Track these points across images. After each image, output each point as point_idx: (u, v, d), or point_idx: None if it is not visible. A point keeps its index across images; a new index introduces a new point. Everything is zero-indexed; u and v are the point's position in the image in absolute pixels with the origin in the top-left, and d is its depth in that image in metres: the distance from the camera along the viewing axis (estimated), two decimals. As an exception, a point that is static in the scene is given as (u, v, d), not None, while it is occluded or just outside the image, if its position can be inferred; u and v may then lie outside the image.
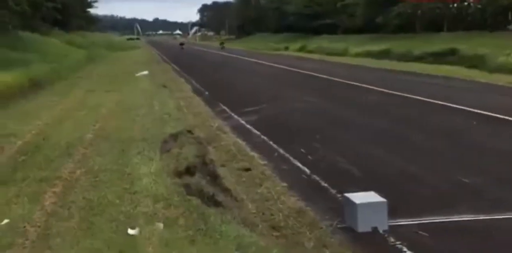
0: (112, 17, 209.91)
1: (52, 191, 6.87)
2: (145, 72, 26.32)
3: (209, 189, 7.07)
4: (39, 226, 5.70)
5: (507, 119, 12.34)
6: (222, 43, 72.83)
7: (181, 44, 73.13)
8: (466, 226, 6.12)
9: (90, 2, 73.11)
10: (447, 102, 14.96)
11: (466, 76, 23.54)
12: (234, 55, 50.09)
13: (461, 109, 14.00)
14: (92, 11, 78.01)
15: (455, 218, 6.28)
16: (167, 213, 6.00)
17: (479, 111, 13.39)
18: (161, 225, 5.67)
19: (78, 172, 7.77)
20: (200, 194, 6.80)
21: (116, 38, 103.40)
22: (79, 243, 5.27)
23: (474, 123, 12.33)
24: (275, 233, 5.98)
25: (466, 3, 46.56)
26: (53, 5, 42.14)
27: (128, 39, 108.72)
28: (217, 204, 6.57)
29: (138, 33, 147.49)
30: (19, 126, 11.63)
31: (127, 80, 22.93)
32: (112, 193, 6.69)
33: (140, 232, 5.49)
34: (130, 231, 5.51)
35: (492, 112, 13.08)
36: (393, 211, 6.08)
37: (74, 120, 12.58)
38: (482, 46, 29.33)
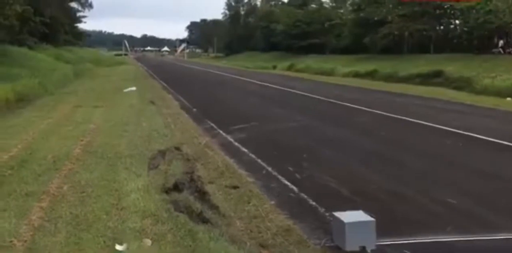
0: (100, 32, 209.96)
1: (39, 205, 6.82)
2: (133, 88, 26.31)
3: (197, 206, 7.06)
4: (25, 241, 5.65)
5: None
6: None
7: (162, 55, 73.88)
8: (453, 247, 6.14)
9: (79, 17, 73.21)
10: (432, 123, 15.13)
11: (452, 98, 23.76)
12: (222, 73, 50.18)
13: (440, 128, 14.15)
14: (80, 26, 78.07)
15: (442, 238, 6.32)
16: (155, 229, 5.97)
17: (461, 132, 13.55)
18: (149, 241, 5.64)
19: (65, 187, 7.72)
20: (188, 210, 6.79)
21: (104, 53, 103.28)
22: (66, 258, 5.23)
23: (460, 144, 12.43)
24: (263, 251, 5.96)
25: (452, 26, 47.19)
26: (41, 19, 42.08)
27: (116, 55, 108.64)
28: (205, 221, 6.55)
29: (126, 49, 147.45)
30: (6, 140, 11.56)
31: (114, 96, 22.90)
32: (100, 209, 6.66)
33: (128, 248, 5.46)
34: (118, 247, 5.47)
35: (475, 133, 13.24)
36: (381, 231, 6.09)
37: (61, 135, 12.52)
38: (467, 68, 29.71)
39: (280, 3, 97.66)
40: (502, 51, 37.36)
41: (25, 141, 11.59)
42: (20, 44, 36.37)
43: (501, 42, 38.52)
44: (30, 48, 38.39)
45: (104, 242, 5.60)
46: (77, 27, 75.12)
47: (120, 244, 5.52)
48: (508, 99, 22.63)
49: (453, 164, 10.47)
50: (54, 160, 9.49)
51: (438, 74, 31.39)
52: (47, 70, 30.30)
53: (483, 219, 7.09)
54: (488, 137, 12.90)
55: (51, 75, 29.23)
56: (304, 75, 44.58)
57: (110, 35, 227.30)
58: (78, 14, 73.56)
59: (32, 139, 11.84)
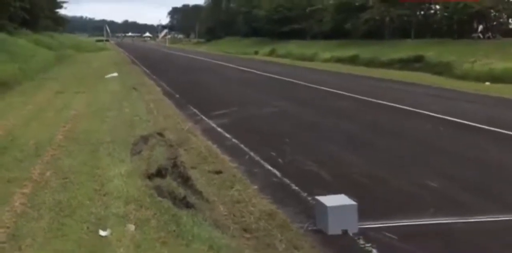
0: (81, 18, 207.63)
1: (21, 192, 6.79)
2: (115, 74, 26.10)
3: (180, 191, 7.07)
4: (8, 227, 5.63)
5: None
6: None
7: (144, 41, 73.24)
8: (434, 229, 6.25)
9: (59, 3, 72.13)
10: (412, 108, 15.27)
11: (432, 83, 23.95)
12: (204, 58, 50.01)
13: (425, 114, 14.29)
14: (61, 12, 76.77)
15: (424, 221, 6.43)
16: (138, 215, 5.98)
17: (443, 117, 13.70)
18: (132, 226, 5.65)
19: (47, 173, 7.68)
20: (172, 196, 6.80)
21: (85, 39, 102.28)
22: (49, 244, 5.23)
23: (441, 129, 12.57)
24: (247, 235, 6.02)
25: (432, 11, 47.35)
26: (21, 4, 41.45)
27: (97, 41, 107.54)
28: (188, 206, 6.57)
29: (107, 35, 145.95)
30: (-14, 126, 11.45)
31: (96, 82, 22.73)
32: (83, 195, 6.64)
33: (112, 233, 5.47)
34: (101, 233, 5.48)
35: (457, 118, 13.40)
36: (363, 214, 6.17)
37: (43, 121, 12.43)
38: (447, 53, 29.93)
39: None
40: (481, 36, 37.64)
41: (6, 127, 11.48)
42: (0, 29, 35.81)
43: (480, 27, 38.78)
44: (9, 33, 37.77)
45: (88, 227, 5.60)
46: (57, 12, 73.90)
47: (104, 229, 5.53)
48: (487, 83, 22.86)
49: (433, 148, 10.60)
50: (36, 146, 9.42)
51: (418, 59, 31.60)
52: (27, 56, 29.91)
53: (462, 202, 7.21)
54: (467, 121, 13.06)
55: (31, 61, 28.88)
56: (286, 61, 44.61)
57: (91, 20, 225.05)
58: (59, -1, 72.54)
59: (12, 126, 11.73)
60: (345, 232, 6.01)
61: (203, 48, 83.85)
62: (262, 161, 9.45)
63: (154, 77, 27.66)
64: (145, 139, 10.21)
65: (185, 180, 7.90)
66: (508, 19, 42.05)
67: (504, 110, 16.14)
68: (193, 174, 8.33)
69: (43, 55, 34.35)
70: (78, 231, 5.52)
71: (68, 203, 6.35)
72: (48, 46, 43.19)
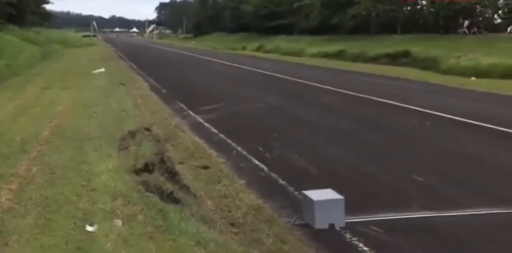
0: (68, 13, 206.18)
1: (8, 188, 6.75)
2: (102, 70, 25.98)
3: (168, 186, 7.08)
4: (-5, 223, 5.62)
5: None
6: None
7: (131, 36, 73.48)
8: (420, 223, 6.31)
9: (46, -2, 71.58)
10: (398, 102, 15.35)
11: (418, 77, 24.07)
12: (192, 54, 49.89)
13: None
14: (47, 7, 76.37)
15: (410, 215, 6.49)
16: (125, 210, 5.98)
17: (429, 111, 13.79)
18: (119, 221, 5.66)
19: (34, 169, 7.65)
20: (159, 191, 6.81)
21: (72, 35, 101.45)
22: (36, 239, 5.22)
23: (427, 123, 12.65)
24: (234, 230, 6.04)
25: (419, 7, 47.56)
26: (7, 0, 41.14)
27: (84, 36, 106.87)
28: (175, 201, 6.58)
29: (94, 30, 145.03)
30: (-28, 122, 11.38)
31: (83, 77, 22.61)
32: (70, 190, 6.63)
33: (99, 228, 5.47)
34: (88, 228, 5.48)
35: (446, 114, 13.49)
36: (350, 209, 6.22)
37: (30, 116, 12.37)
38: (434, 48, 30.10)
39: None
40: (467, 31, 37.90)
41: (-8, 123, 11.43)
42: (-15, 25, 35.57)
43: (466, 22, 39.06)
44: (-5, 29, 37.59)
45: (75, 223, 5.59)
46: (44, 8, 73.39)
47: (91, 225, 5.53)
48: (473, 78, 23.02)
49: (419, 142, 10.68)
50: (22, 142, 9.37)
51: (405, 54, 31.72)
52: (14, 52, 29.73)
53: (448, 196, 7.28)
54: (453, 115, 13.15)
55: (18, 56, 28.71)
56: (273, 56, 44.62)
57: (78, 16, 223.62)
58: (45, -6, 71.93)
59: (-1, 121, 11.69)
60: (332, 226, 6.05)
61: (191, 44, 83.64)
62: (249, 156, 9.47)
63: (141, 72, 27.56)
64: (132, 134, 10.20)
65: (173, 175, 7.92)
66: (493, 15, 42.39)
67: (489, 105, 16.25)
68: (180, 169, 8.33)
69: (30, 51, 34.13)
70: (65, 227, 5.51)
71: (55, 198, 6.33)
72: (35, 41, 42.89)
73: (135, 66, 32.03)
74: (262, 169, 8.66)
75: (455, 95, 18.36)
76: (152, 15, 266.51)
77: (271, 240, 5.74)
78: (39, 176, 7.31)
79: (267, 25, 63.20)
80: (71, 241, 5.18)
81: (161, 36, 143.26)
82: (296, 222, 6.25)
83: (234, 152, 9.83)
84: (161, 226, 5.59)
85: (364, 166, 8.87)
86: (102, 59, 37.32)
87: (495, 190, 7.58)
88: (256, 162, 9.10)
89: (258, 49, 54.61)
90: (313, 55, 41.26)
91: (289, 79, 23.71)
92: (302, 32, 57.65)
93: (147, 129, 10.89)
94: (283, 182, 7.91)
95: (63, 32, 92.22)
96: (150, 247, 5.13)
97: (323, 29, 50.73)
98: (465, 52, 27.05)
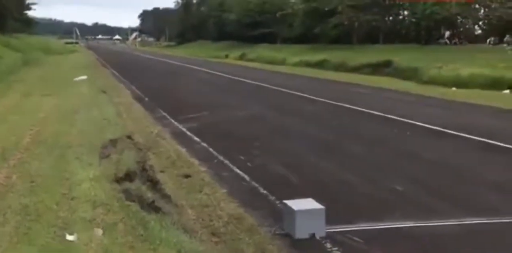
0: (50, 20, 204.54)
1: (-13, 196, 6.71)
2: (84, 77, 25.82)
3: (149, 195, 7.07)
4: (-27, 232, 5.56)
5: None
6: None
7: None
8: (400, 232, 6.36)
9: (28, 4, 71.12)
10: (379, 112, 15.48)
11: (399, 87, 24.24)
12: (174, 62, 49.84)
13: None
14: (30, 13, 75.78)
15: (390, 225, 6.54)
16: (106, 219, 5.95)
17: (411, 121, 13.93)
18: (100, 230, 5.62)
19: (14, 176, 7.59)
20: (140, 200, 6.79)
21: (54, 41, 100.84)
22: (15, 249, 5.17)
23: (408, 133, 12.76)
24: (215, 239, 6.05)
25: (401, 17, 48.03)
26: (-12, 6, 40.86)
27: (67, 43, 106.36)
28: (156, 210, 6.57)
29: (77, 37, 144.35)
30: (-49, 129, 11.26)
31: (65, 85, 22.45)
32: (50, 199, 6.58)
33: (79, 238, 5.43)
34: (68, 237, 5.44)
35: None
36: (331, 218, 6.25)
37: (10, 124, 12.26)
38: (415, 58, 30.32)
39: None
40: (448, 42, 38.35)
41: (-28, 130, 11.31)
42: (-34, 31, 35.25)
43: (447, 33, 39.56)
44: (-24, 35, 37.26)
45: (55, 232, 5.55)
46: (26, 14, 72.91)
47: (71, 234, 5.49)
48: (454, 89, 23.22)
49: (399, 152, 10.76)
50: (2, 149, 9.29)
51: (387, 64, 31.89)
52: (-6, 58, 29.52)
53: (426, 205, 7.35)
54: (433, 125, 13.27)
55: (-2, 63, 28.49)
56: (256, 64, 44.70)
57: (60, 23, 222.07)
58: (27, 1, 71.46)
59: (-22, 129, 11.57)
60: (312, 236, 6.07)
61: (174, 52, 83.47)
62: (231, 165, 9.49)
63: (124, 80, 27.49)
64: (114, 142, 10.15)
65: (154, 184, 7.90)
66: (474, 26, 42.93)
67: (469, 115, 16.39)
68: (161, 178, 8.33)
69: (10, 58, 33.85)
70: (44, 236, 5.46)
71: (34, 207, 6.28)
72: (16, 48, 42.55)
73: (117, 74, 31.93)
74: (244, 178, 8.68)
75: (435, 105, 18.46)
76: (135, 22, 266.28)
77: (251, 250, 5.76)
78: (19, 184, 7.24)
79: (250, 33, 63.38)
80: (51, 251, 5.14)
81: (144, 43, 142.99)
82: (277, 232, 6.27)
83: (215, 160, 9.85)
84: (142, 235, 5.57)
85: (345, 175, 8.92)
86: (84, 67, 37.13)
87: (465, 196, 7.71)
88: (238, 171, 9.14)
89: (241, 57, 54.70)
90: (296, 64, 41.37)
91: (271, 88, 23.77)
92: (285, 41, 57.90)
93: (129, 137, 10.86)
94: (264, 191, 7.93)
95: (45, 39, 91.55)
96: (131, 257, 5.11)
97: (306, 38, 50.99)
98: (446, 62, 27.30)
